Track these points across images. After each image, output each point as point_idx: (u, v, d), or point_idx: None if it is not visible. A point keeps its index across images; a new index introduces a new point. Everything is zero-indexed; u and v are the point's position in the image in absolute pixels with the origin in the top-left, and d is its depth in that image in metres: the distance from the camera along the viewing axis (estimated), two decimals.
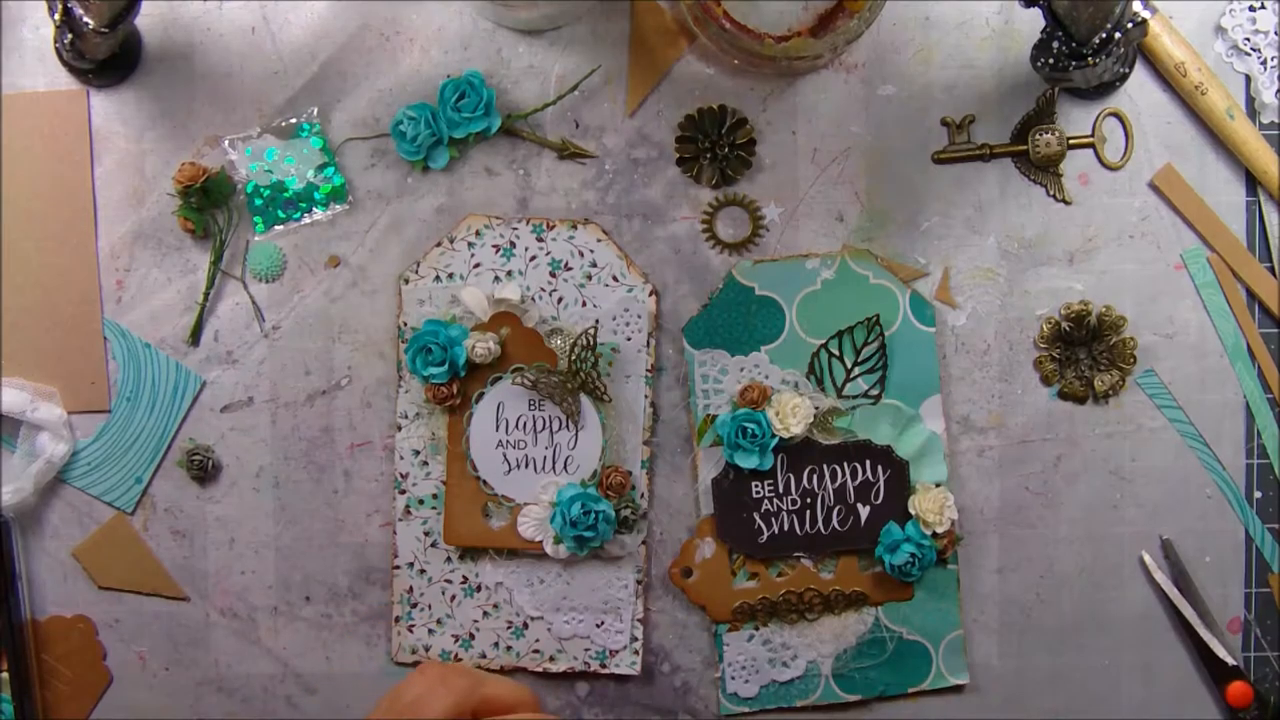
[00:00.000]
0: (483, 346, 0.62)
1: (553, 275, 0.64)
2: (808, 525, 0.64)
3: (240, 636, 0.65)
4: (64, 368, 0.64)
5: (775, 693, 0.65)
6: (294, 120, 0.63)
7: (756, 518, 0.64)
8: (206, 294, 0.64)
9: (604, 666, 0.65)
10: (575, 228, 0.64)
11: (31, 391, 0.64)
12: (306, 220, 0.64)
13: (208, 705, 0.66)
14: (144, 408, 0.64)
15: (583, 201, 0.64)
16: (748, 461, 0.63)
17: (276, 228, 0.64)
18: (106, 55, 0.61)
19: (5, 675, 0.64)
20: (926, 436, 0.64)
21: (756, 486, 0.64)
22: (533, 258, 0.64)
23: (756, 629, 0.65)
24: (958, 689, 0.66)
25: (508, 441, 0.64)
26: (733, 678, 0.65)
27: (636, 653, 0.65)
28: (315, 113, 0.64)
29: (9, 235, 0.63)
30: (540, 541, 0.64)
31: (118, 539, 0.65)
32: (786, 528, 0.64)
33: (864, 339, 0.64)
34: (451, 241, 0.64)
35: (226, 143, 0.63)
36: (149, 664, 0.66)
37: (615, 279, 0.64)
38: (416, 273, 0.64)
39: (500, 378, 0.64)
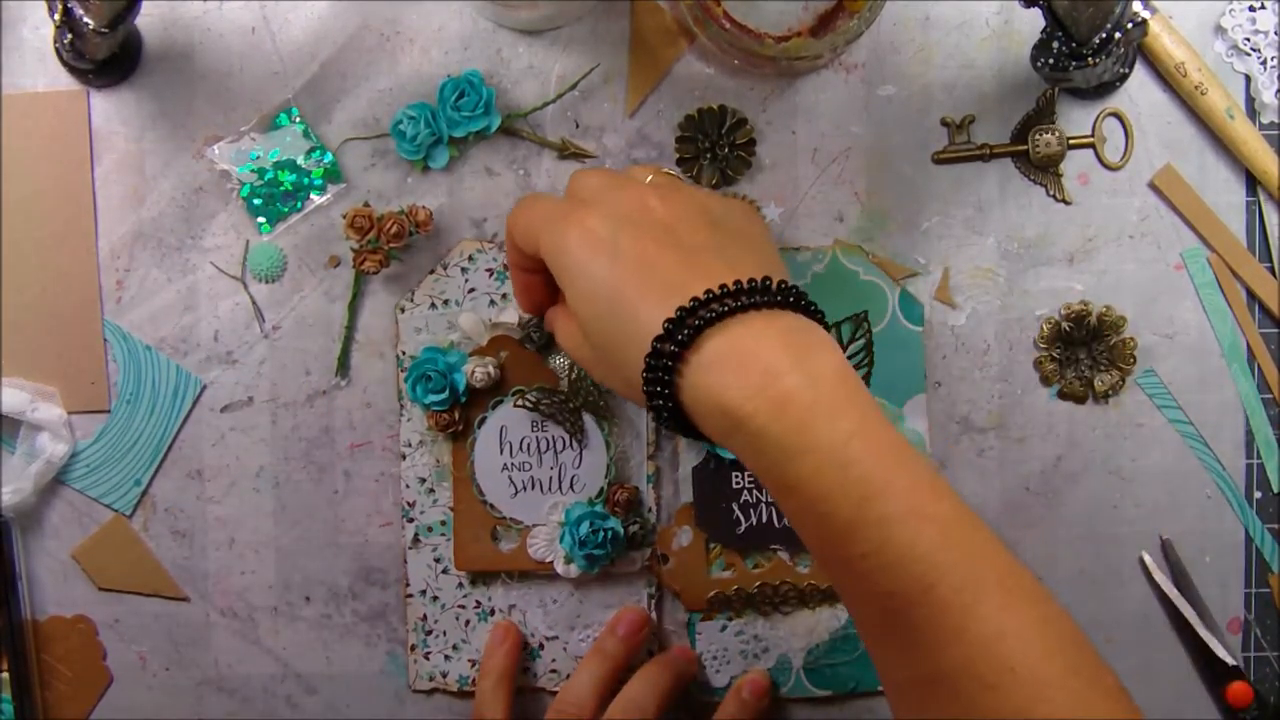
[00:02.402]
0: (482, 371, 0.62)
1: None
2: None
3: (240, 636, 0.65)
4: (64, 368, 0.64)
5: None
6: (269, 113, 0.63)
7: (735, 508, 0.64)
8: (349, 327, 0.65)
9: (621, 682, 0.65)
10: None
11: (31, 391, 0.64)
12: (309, 208, 0.64)
13: (208, 705, 0.66)
14: (144, 411, 0.64)
15: None
16: (728, 451, 0.63)
17: (281, 225, 0.64)
18: (106, 55, 0.60)
19: (5, 675, 0.64)
20: (910, 436, 0.64)
21: (737, 477, 0.64)
22: None
23: (730, 619, 0.65)
24: None
25: (513, 464, 0.64)
26: (704, 667, 0.65)
27: None
28: (290, 99, 0.63)
29: (9, 235, 0.63)
30: (551, 562, 0.64)
31: (117, 540, 0.65)
32: (765, 520, 0.65)
33: (851, 335, 0.64)
34: (445, 268, 0.64)
35: (216, 150, 0.63)
36: (149, 664, 0.66)
37: None
38: (412, 300, 0.64)
39: (501, 401, 0.64)
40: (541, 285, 0.57)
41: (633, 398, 0.50)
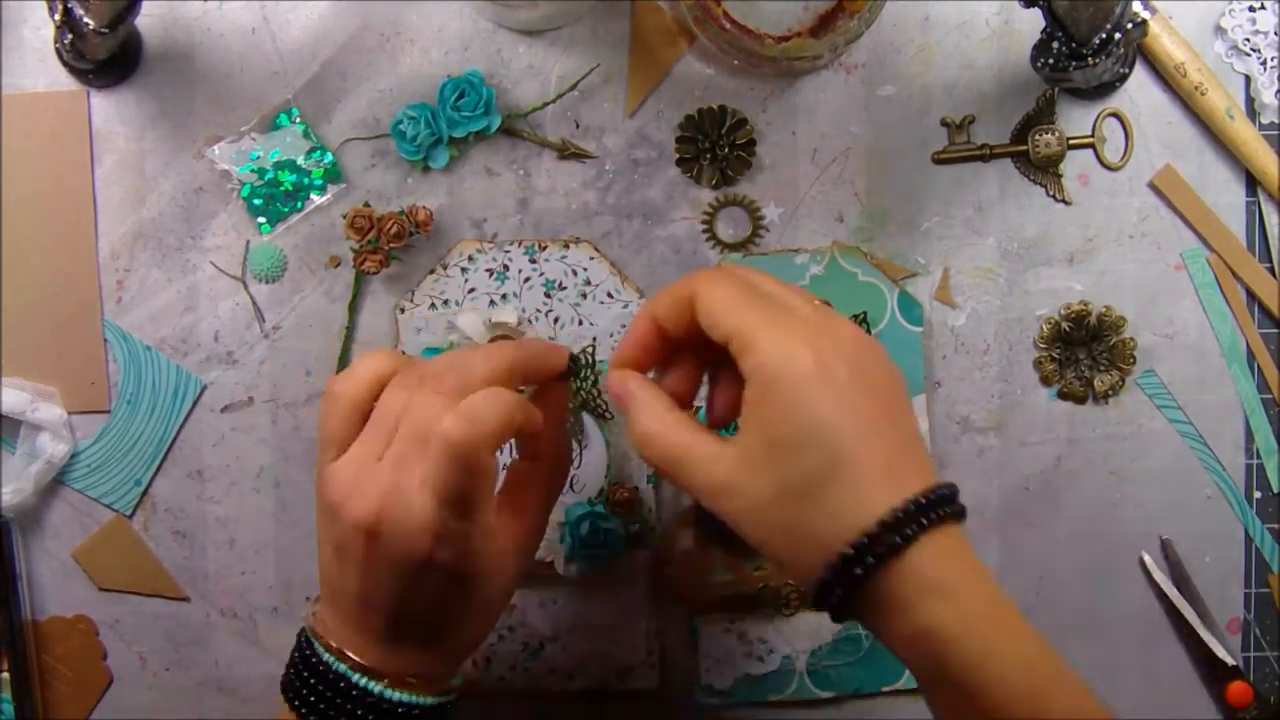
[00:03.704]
0: None
1: (548, 296, 0.64)
2: None
3: (240, 637, 0.65)
4: (64, 368, 0.64)
5: (750, 687, 0.65)
6: (269, 113, 0.63)
7: None
8: (349, 327, 0.65)
9: (622, 682, 0.65)
10: (567, 247, 0.64)
11: (31, 392, 0.64)
12: (309, 208, 0.64)
13: (208, 705, 0.66)
14: (144, 411, 0.64)
15: (583, 202, 0.64)
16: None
17: (280, 225, 0.64)
18: (107, 55, 0.60)
19: (6, 675, 0.64)
20: None
21: None
22: (526, 279, 0.64)
23: (732, 622, 0.65)
24: None
25: None
26: (707, 670, 0.65)
27: (654, 667, 0.65)
28: (291, 99, 0.63)
29: (9, 235, 0.63)
30: (551, 562, 0.64)
31: (118, 540, 0.65)
32: None
33: None
34: (445, 268, 0.64)
35: (216, 150, 0.63)
36: (149, 664, 0.66)
37: (610, 295, 0.64)
38: (411, 301, 0.64)
39: None
40: (658, 351, 0.51)
41: (778, 549, 0.46)
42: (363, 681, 0.48)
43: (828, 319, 0.47)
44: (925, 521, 0.43)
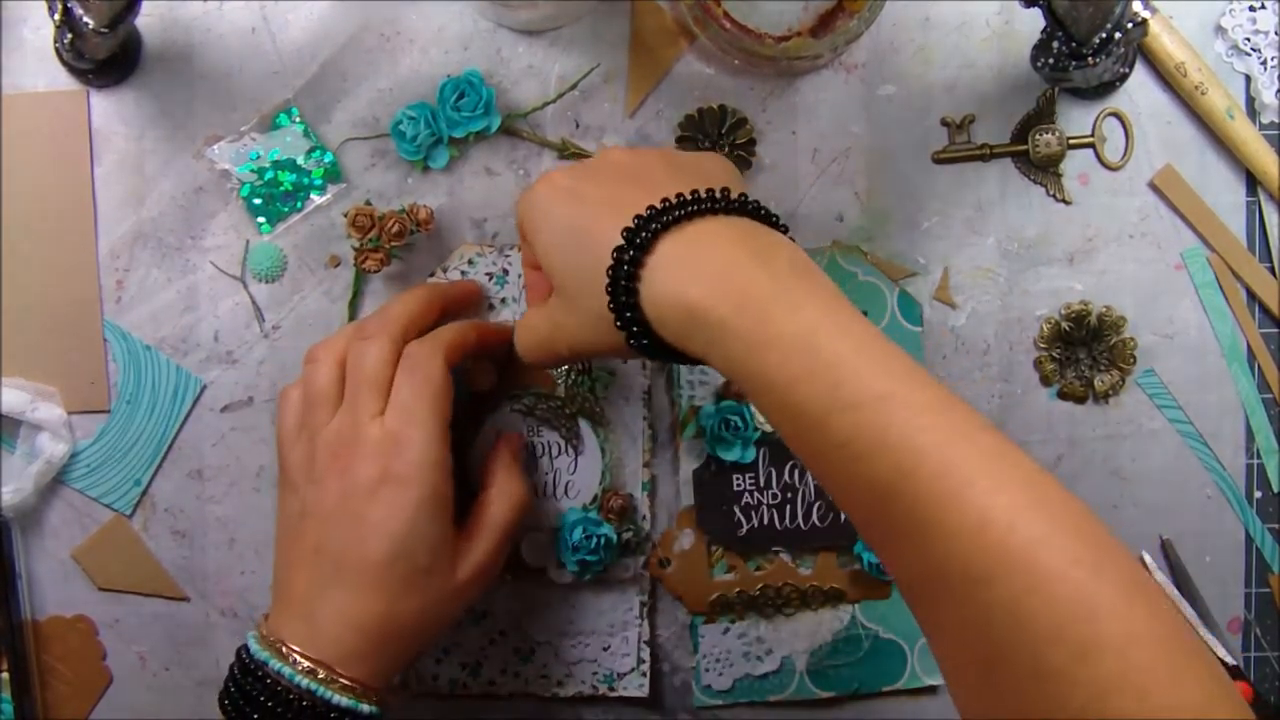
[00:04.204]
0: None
1: None
2: (787, 520, 0.65)
3: (240, 637, 0.65)
4: (64, 368, 0.64)
5: (749, 686, 0.65)
6: (269, 113, 0.63)
7: (737, 510, 0.64)
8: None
9: (612, 690, 0.65)
10: None
11: (32, 391, 0.64)
12: (309, 208, 0.64)
13: (208, 705, 0.66)
14: (144, 411, 0.64)
15: None
16: (729, 454, 0.63)
17: (280, 225, 0.64)
18: (106, 55, 0.60)
19: (5, 675, 0.64)
20: None
21: (738, 479, 0.64)
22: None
23: (732, 622, 0.65)
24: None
25: None
26: (707, 670, 0.65)
27: (644, 674, 0.65)
28: (291, 99, 0.63)
29: (9, 235, 0.63)
30: (544, 567, 0.64)
31: (117, 540, 0.65)
32: (766, 521, 0.65)
33: None
34: (444, 271, 0.64)
35: (216, 150, 0.63)
36: (149, 664, 0.66)
37: None
38: None
39: (498, 406, 0.64)
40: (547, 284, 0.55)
41: (603, 340, 0.49)
42: (303, 683, 0.51)
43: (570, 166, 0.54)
44: (668, 220, 0.46)
